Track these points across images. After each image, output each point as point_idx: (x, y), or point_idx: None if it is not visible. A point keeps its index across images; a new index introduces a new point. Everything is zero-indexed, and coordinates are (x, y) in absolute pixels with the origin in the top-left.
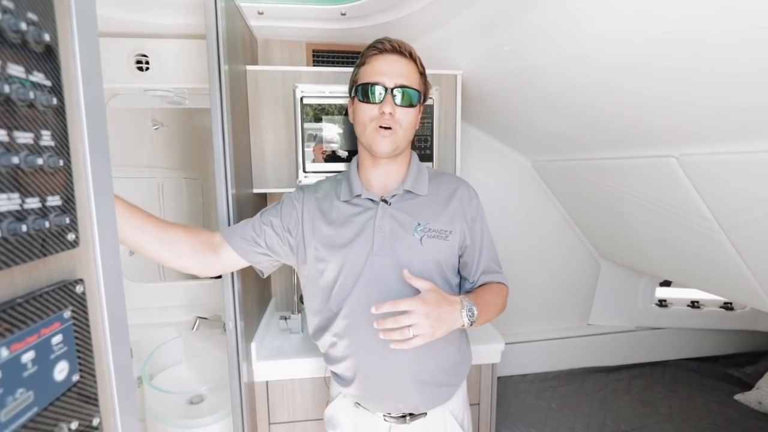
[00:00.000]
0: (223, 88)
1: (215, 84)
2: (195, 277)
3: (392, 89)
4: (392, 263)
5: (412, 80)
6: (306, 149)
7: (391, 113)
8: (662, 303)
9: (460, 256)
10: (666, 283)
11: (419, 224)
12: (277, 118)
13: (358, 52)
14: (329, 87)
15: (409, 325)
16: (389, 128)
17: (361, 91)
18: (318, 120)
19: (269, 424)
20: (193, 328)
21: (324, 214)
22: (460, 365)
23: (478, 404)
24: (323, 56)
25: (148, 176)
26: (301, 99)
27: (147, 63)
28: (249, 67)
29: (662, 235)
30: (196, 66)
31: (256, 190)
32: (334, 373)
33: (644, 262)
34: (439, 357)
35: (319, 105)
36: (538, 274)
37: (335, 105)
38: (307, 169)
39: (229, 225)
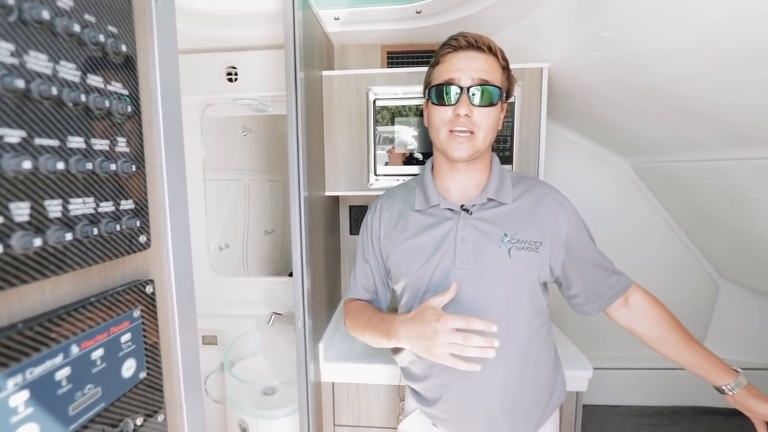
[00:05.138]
0: (299, 94)
1: (291, 90)
2: (272, 274)
3: (469, 88)
4: (477, 277)
5: (493, 76)
6: (378, 152)
7: (467, 115)
8: None
9: (555, 270)
10: None
11: (506, 234)
12: (351, 121)
13: (434, 51)
14: (403, 88)
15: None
16: (468, 132)
17: (435, 93)
18: (392, 122)
19: (334, 425)
20: (268, 323)
21: (399, 230)
22: (554, 393)
23: None
24: (398, 57)
25: (237, 178)
26: (374, 102)
27: (236, 74)
28: (324, 73)
29: None
30: (278, 74)
31: (328, 193)
32: (414, 390)
33: None
34: (534, 385)
35: (393, 107)
36: None
37: (409, 106)
38: (378, 172)
39: (300, 225)
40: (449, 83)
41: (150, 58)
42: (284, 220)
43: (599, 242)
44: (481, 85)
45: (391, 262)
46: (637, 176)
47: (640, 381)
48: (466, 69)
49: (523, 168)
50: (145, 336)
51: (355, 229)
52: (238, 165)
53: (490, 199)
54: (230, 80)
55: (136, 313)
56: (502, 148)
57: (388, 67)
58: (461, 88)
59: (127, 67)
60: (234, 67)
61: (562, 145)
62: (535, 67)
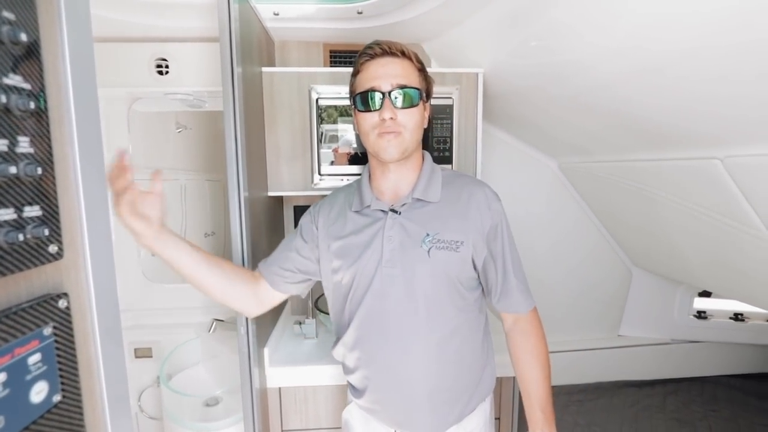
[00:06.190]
0: (236, 90)
1: (228, 86)
2: None
3: (390, 92)
4: (400, 276)
5: (410, 79)
6: (321, 152)
7: (392, 118)
8: (701, 315)
9: (479, 269)
10: (705, 294)
11: (428, 234)
12: (293, 120)
13: None
14: (346, 88)
15: None
16: (395, 132)
17: (360, 101)
18: (335, 122)
19: (282, 430)
20: (209, 330)
21: (338, 228)
22: (480, 384)
23: (499, 418)
24: (340, 56)
25: (172, 178)
26: (317, 101)
27: (167, 67)
28: (264, 69)
29: (703, 243)
30: (214, 69)
31: (271, 193)
32: (349, 382)
33: (681, 271)
34: (456, 377)
35: (336, 106)
36: (565, 282)
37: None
38: (322, 172)
39: (240, 227)
40: (372, 90)
41: (58, 48)
42: (226, 222)
43: (530, 233)
44: (400, 88)
45: (324, 261)
46: (563, 175)
47: (568, 363)
48: (384, 75)
49: (461, 167)
50: (59, 355)
51: None
52: (173, 164)
53: (417, 199)
54: (161, 73)
55: (47, 330)
56: (442, 148)
57: (331, 66)
58: (383, 94)
59: (29, 58)
60: (164, 59)
61: (497, 146)
62: (471, 72)
